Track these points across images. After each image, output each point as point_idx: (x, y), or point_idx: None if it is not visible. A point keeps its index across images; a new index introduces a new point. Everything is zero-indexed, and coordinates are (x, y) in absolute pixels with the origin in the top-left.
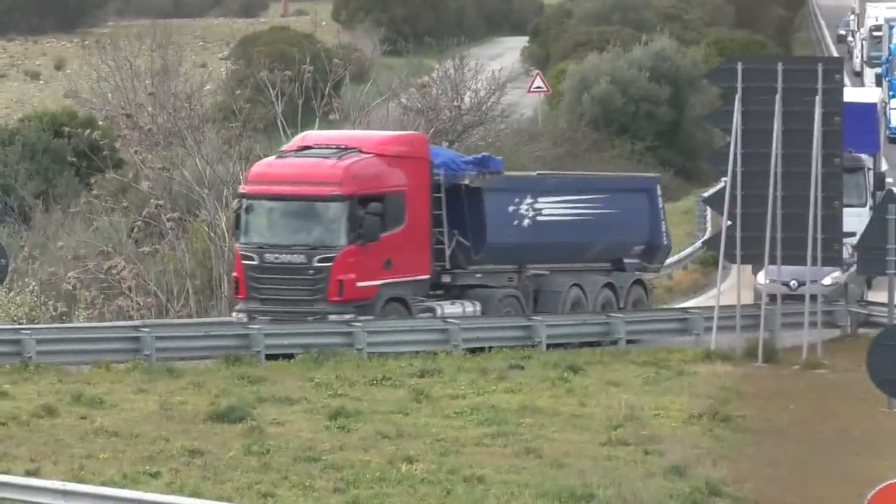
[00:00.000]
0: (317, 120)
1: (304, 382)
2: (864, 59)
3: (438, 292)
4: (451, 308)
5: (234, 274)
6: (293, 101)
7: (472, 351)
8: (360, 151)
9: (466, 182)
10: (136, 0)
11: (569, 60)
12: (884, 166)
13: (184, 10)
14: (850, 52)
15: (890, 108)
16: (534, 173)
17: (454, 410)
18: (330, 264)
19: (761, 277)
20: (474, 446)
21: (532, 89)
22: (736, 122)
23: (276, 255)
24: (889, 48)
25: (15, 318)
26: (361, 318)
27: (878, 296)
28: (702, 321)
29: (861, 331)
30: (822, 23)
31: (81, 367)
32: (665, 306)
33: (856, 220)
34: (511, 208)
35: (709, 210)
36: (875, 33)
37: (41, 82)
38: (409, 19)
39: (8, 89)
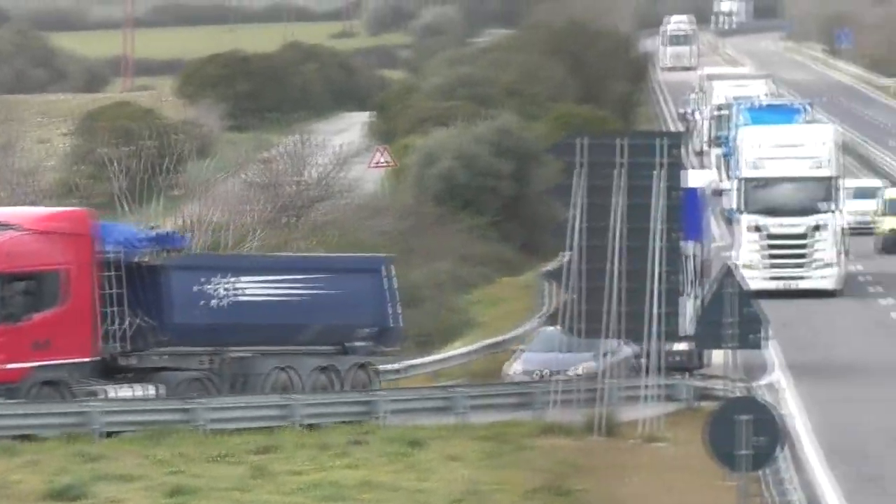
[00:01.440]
0: (161, 195)
1: (143, 459)
2: (708, 138)
3: (119, 375)
4: (122, 391)
5: None
6: (135, 176)
7: (311, 427)
8: (19, 228)
9: (146, 259)
10: None
11: (414, 135)
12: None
13: (25, 85)
14: (693, 131)
15: (729, 190)
16: (243, 252)
17: (294, 487)
18: None
19: (515, 366)
20: None
21: (376, 164)
22: (579, 197)
23: None
24: (733, 127)
25: None
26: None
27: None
28: (542, 395)
29: (700, 404)
30: (664, 98)
31: None
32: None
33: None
34: (202, 287)
35: (547, 285)
36: (720, 112)
37: None
38: (254, 94)
39: None
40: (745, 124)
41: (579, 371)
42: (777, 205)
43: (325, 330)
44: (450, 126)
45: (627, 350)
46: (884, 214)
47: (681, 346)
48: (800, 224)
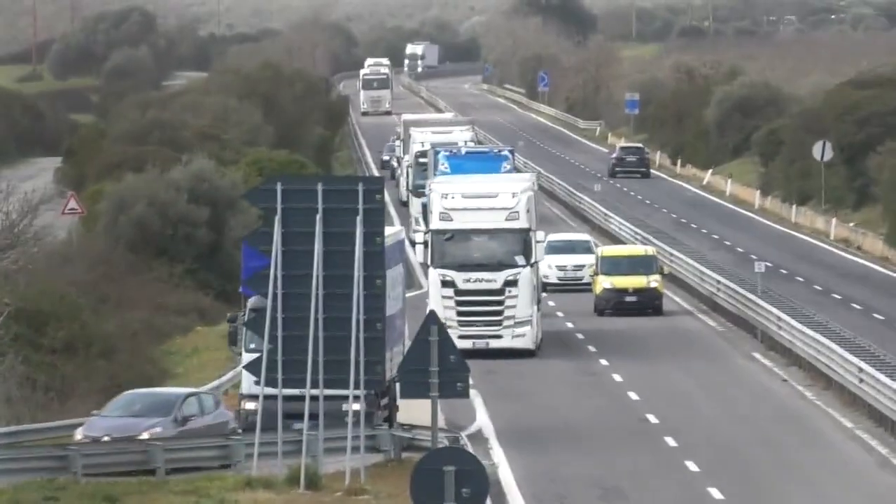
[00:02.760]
0: None
1: None
2: (410, 187)
3: None
4: None
5: None
6: None
7: None
8: None
9: None
10: None
11: (105, 181)
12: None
13: None
14: (397, 180)
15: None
16: None
17: None
18: None
19: (77, 432)
20: None
21: (66, 211)
22: (276, 244)
23: None
24: (434, 176)
25: None
26: None
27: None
28: (243, 448)
29: (405, 455)
30: (363, 142)
31: None
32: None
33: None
34: None
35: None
36: (421, 160)
37: None
38: None
39: None
40: (446, 173)
41: (144, 436)
42: (468, 259)
43: None
44: (143, 171)
45: (227, 414)
46: (597, 274)
47: (356, 407)
48: (492, 279)
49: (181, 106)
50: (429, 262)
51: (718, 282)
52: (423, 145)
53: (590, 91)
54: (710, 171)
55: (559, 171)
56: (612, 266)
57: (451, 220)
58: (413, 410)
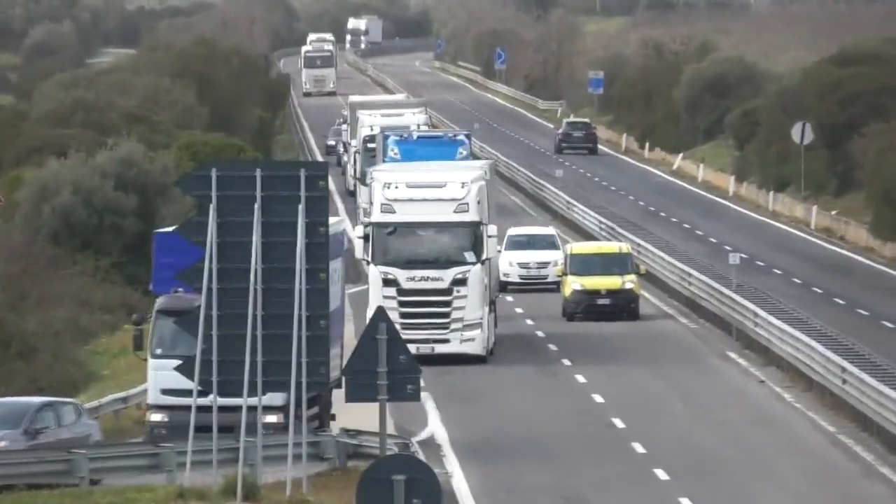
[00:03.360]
0: None
1: None
2: (357, 175)
3: None
4: None
5: None
6: None
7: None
8: None
9: None
10: None
11: (25, 167)
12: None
13: None
14: (343, 167)
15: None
16: None
17: None
18: None
19: None
20: None
21: None
22: (211, 235)
23: None
24: (384, 162)
25: None
26: None
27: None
28: (175, 456)
29: (351, 463)
30: (306, 125)
31: None
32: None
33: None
34: None
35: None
36: (369, 145)
37: None
38: None
39: None
40: (396, 159)
41: None
42: (412, 255)
43: None
44: (66, 156)
45: (90, 425)
46: (566, 274)
47: (271, 418)
48: (439, 278)
49: (108, 85)
50: (369, 259)
51: (689, 275)
52: (371, 129)
53: (550, 69)
54: (681, 155)
55: (518, 155)
56: (583, 265)
57: (394, 212)
58: (352, 414)
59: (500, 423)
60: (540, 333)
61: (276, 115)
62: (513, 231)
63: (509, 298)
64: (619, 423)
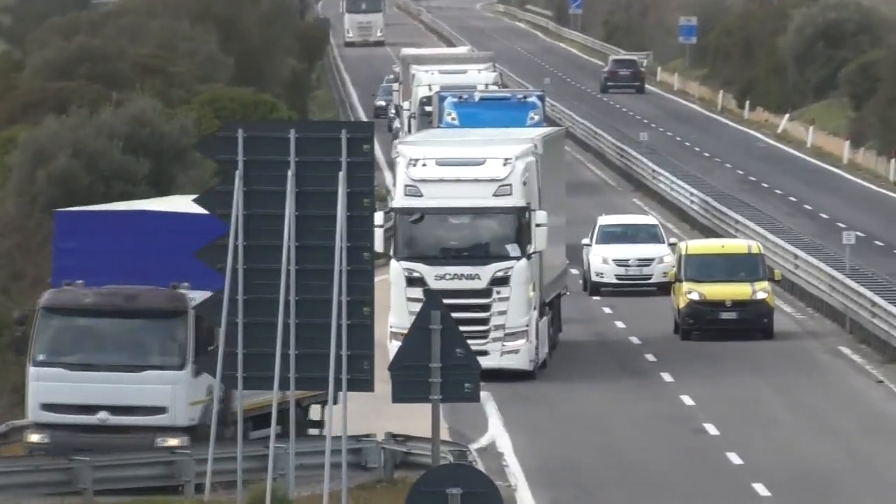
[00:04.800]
0: None
1: None
2: None
3: None
4: None
5: None
6: None
7: None
8: None
9: None
10: None
11: (19, 126)
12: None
13: None
14: (395, 134)
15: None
16: None
17: None
18: None
19: None
20: None
21: None
22: (236, 207)
23: None
24: (440, 127)
25: None
26: None
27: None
28: (193, 465)
29: (398, 474)
30: (347, 78)
31: None
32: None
33: (163, 388)
34: None
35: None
36: (427, 108)
37: None
38: None
39: None
40: (455, 125)
41: None
42: (443, 248)
43: None
44: (67, 114)
45: None
46: (679, 280)
47: (172, 442)
48: (474, 275)
49: (117, 30)
50: (390, 253)
51: (796, 257)
52: (430, 89)
53: (634, 14)
54: (787, 116)
55: (596, 115)
56: (702, 269)
57: (421, 195)
58: (406, 418)
59: (572, 428)
60: (635, 341)
61: (313, 67)
62: (605, 220)
63: (606, 308)
64: (711, 429)
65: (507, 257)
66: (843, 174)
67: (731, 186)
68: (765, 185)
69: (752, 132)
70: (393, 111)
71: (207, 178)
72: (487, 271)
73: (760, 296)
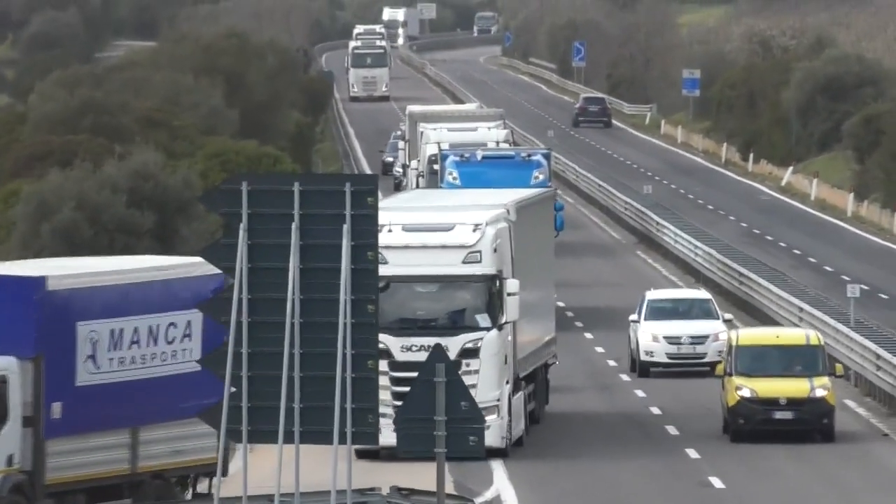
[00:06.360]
0: None
1: None
2: None
3: None
4: None
5: None
6: None
7: None
8: None
9: None
10: None
11: (22, 179)
12: None
13: None
14: (404, 189)
15: None
16: None
17: None
18: None
19: None
20: None
21: None
22: (241, 259)
23: None
24: (441, 187)
25: None
26: None
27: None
28: None
29: None
30: (351, 131)
31: None
32: None
33: None
34: None
35: None
36: (436, 167)
37: None
38: None
39: None
40: (456, 185)
41: None
42: (409, 318)
43: None
44: (71, 167)
45: None
46: (729, 374)
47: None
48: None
49: (121, 84)
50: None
51: (801, 309)
52: (439, 147)
53: (638, 67)
54: (791, 168)
55: (599, 168)
56: (754, 361)
57: (386, 262)
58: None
59: (582, 483)
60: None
61: (317, 120)
62: (653, 295)
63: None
64: (716, 482)
65: (476, 328)
66: (848, 227)
67: (735, 239)
68: (769, 237)
69: (755, 185)
70: (399, 169)
71: (212, 231)
72: (456, 343)
73: (820, 393)
